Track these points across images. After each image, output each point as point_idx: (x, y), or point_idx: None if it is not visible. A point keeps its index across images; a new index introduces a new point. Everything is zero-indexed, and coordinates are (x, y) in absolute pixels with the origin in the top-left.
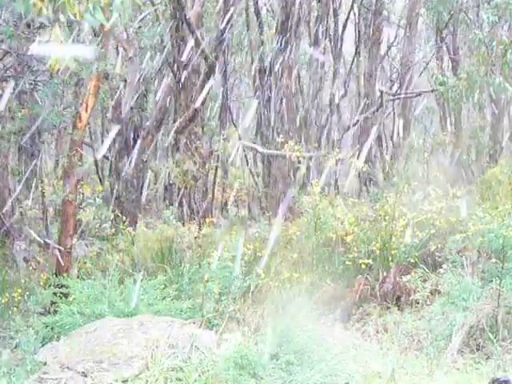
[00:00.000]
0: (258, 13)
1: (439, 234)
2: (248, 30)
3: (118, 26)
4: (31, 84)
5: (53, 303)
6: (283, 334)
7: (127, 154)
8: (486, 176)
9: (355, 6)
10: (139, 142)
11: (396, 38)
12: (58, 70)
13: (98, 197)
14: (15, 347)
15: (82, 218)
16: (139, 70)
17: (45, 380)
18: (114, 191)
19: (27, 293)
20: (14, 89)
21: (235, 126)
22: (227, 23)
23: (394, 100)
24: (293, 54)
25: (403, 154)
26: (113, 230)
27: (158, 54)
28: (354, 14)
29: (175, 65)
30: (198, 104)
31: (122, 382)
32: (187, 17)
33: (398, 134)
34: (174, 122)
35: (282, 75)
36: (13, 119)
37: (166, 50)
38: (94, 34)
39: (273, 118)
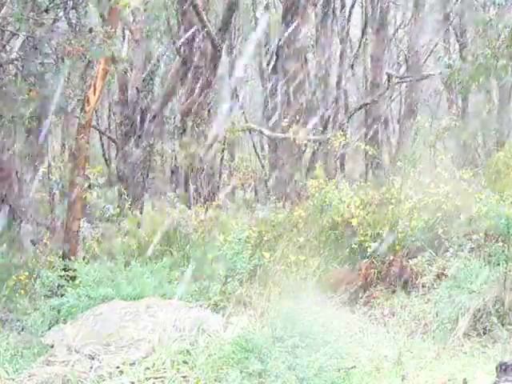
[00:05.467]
0: None
1: (446, 218)
2: (254, 12)
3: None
4: (41, 66)
5: (59, 286)
6: (289, 317)
7: (134, 136)
8: (492, 159)
9: None
10: (146, 124)
11: (403, 20)
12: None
13: (101, 176)
14: (22, 330)
15: (88, 199)
16: (146, 52)
17: (52, 363)
18: (121, 174)
19: (34, 275)
20: (22, 71)
21: (242, 108)
22: (233, 6)
23: (400, 83)
24: (299, 36)
25: (410, 137)
26: (118, 212)
27: (165, 36)
28: None
29: (182, 48)
30: (204, 87)
31: (129, 364)
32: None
33: (405, 117)
34: (181, 104)
35: (288, 58)
36: (22, 101)
37: (172, 32)
38: (101, 17)
39: (279, 101)
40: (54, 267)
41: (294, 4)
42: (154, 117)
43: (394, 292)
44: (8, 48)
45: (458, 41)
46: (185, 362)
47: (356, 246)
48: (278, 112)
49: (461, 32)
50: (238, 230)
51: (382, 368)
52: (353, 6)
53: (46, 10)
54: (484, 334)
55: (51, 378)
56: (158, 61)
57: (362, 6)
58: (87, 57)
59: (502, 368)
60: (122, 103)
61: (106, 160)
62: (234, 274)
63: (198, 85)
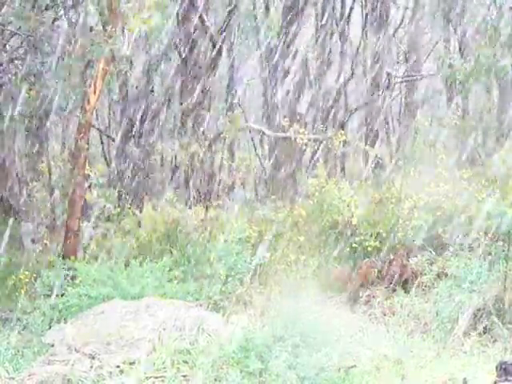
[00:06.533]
0: None
1: (446, 217)
2: (255, 12)
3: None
4: (41, 65)
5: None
6: (289, 316)
7: (134, 136)
8: (493, 158)
9: None
10: (146, 124)
11: (403, 19)
12: None
13: (101, 176)
14: (23, 329)
15: (88, 199)
16: (146, 52)
17: (52, 362)
18: (121, 173)
19: (34, 275)
20: (22, 70)
21: (242, 108)
22: (233, 5)
23: (400, 82)
24: (299, 36)
25: (409, 136)
26: (118, 211)
27: (165, 36)
28: None
29: (182, 47)
30: (204, 87)
31: (130, 364)
32: None
33: (405, 116)
34: (181, 104)
35: (288, 58)
36: (22, 101)
37: (172, 32)
38: (101, 16)
39: (279, 101)
40: (54, 267)
41: (293, 3)
42: (154, 116)
43: (394, 291)
44: (8, 47)
45: (458, 40)
46: (185, 362)
47: (356, 245)
48: (278, 111)
49: (461, 31)
50: (239, 230)
51: (382, 367)
52: (353, 6)
53: (46, 8)
54: (484, 333)
55: (51, 377)
56: (158, 60)
57: (361, 6)
58: (87, 56)
59: (503, 367)
60: (122, 103)
61: (106, 159)
62: (235, 274)
63: (198, 85)
